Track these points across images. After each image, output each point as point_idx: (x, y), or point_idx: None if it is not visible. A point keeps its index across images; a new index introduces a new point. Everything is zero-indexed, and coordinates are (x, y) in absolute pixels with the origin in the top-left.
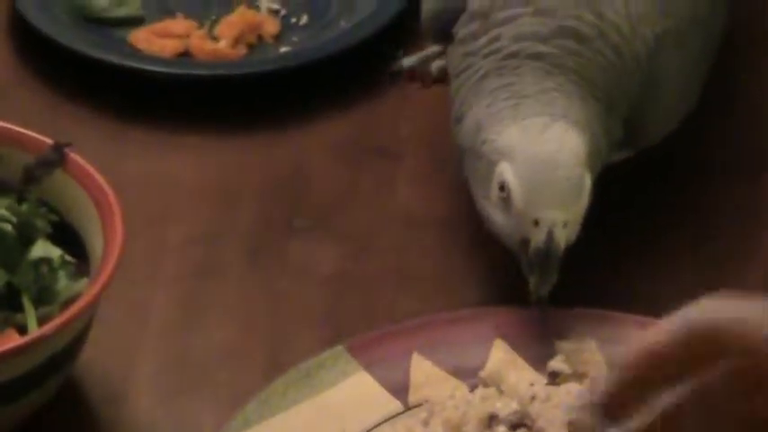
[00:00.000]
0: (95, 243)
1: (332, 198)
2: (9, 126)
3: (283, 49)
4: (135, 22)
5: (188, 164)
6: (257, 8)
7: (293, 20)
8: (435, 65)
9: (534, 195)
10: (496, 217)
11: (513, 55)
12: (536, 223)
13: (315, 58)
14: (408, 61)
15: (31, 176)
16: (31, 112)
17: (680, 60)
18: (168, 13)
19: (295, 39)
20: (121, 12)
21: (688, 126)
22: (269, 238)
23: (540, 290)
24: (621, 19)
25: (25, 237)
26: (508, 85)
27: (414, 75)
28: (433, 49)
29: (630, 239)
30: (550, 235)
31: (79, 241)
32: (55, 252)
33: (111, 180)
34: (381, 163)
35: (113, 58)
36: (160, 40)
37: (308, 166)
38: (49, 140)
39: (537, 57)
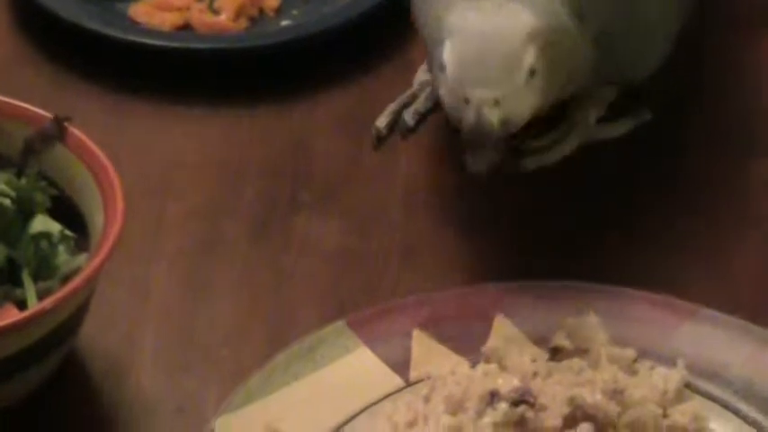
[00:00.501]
0: (95, 217)
1: (335, 173)
2: (9, 100)
3: (284, 23)
4: None
5: (189, 138)
6: None
7: None
8: (407, 113)
9: (463, 73)
10: (444, 95)
11: None
12: (466, 101)
13: (316, 31)
14: (381, 121)
15: (31, 150)
16: (31, 85)
17: None
18: None
19: (296, 12)
20: None
21: (682, 111)
22: (272, 214)
23: (472, 166)
24: None
25: (25, 211)
26: None
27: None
28: (397, 100)
29: (628, 220)
30: (479, 113)
31: (79, 215)
32: (54, 227)
33: (112, 154)
34: (387, 139)
35: (114, 32)
36: (160, 14)
37: (310, 141)
38: (48, 114)
39: None
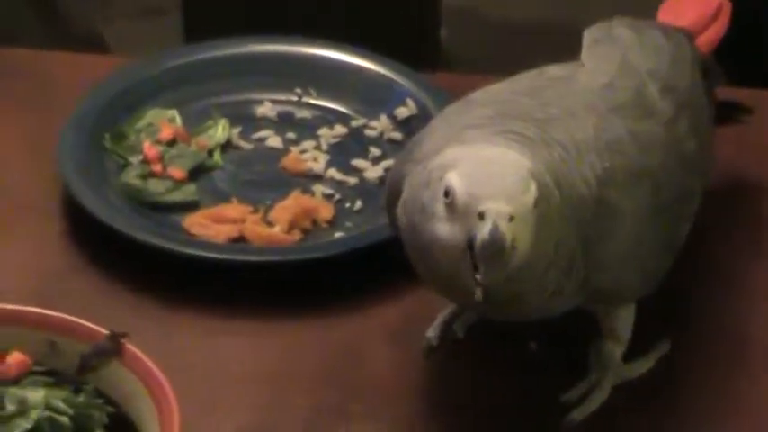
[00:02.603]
0: None
1: (386, 384)
2: (64, 316)
3: (338, 234)
4: (190, 206)
5: (242, 349)
6: (312, 193)
7: (347, 205)
8: (457, 325)
9: (477, 188)
10: (442, 231)
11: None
12: (481, 217)
13: (368, 244)
14: (432, 332)
15: (87, 366)
16: (84, 297)
17: (635, 202)
18: (223, 197)
19: (349, 224)
20: (177, 197)
21: None
22: (324, 425)
23: (484, 280)
24: (566, 138)
25: (82, 428)
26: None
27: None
28: (446, 311)
29: None
30: (495, 226)
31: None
32: None
33: (166, 367)
34: (438, 350)
35: (170, 245)
36: (215, 225)
37: (360, 351)
38: (104, 330)
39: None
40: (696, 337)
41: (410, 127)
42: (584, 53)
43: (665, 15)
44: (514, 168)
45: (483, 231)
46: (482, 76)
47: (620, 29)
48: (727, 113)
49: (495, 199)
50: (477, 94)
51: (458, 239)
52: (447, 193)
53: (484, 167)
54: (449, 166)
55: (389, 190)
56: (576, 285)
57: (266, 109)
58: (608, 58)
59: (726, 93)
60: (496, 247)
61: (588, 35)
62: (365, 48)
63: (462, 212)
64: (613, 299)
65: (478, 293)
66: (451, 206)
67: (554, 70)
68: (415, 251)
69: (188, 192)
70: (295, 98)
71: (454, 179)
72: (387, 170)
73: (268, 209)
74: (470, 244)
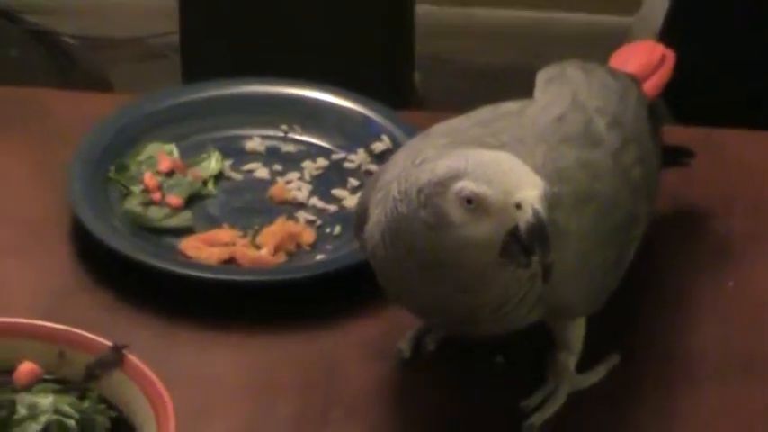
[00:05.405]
0: None
1: (364, 391)
2: (72, 329)
3: (319, 257)
4: (185, 231)
5: (231, 361)
6: (296, 219)
7: (328, 230)
8: (428, 339)
9: (504, 184)
10: (473, 233)
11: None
12: (518, 206)
13: (348, 265)
14: (403, 344)
15: (92, 375)
16: (89, 312)
17: (581, 224)
18: (215, 223)
19: (329, 247)
20: (174, 222)
21: None
22: (306, 430)
23: (544, 260)
24: None
25: (87, 431)
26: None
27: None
28: (417, 326)
29: None
30: (536, 209)
31: None
32: None
33: (164, 375)
34: (410, 362)
35: (167, 266)
36: (208, 248)
37: (341, 363)
38: (108, 342)
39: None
40: (643, 353)
41: (385, 160)
42: (538, 91)
43: (615, 63)
44: (514, 161)
45: (527, 217)
46: (450, 114)
47: (572, 70)
48: (672, 157)
49: (525, 188)
50: (436, 127)
51: (492, 236)
52: (470, 200)
53: (492, 168)
54: (451, 177)
55: (357, 217)
56: (534, 298)
57: (255, 143)
58: (560, 95)
59: (671, 131)
60: (543, 226)
61: (542, 75)
62: (346, 89)
63: (497, 210)
64: (564, 314)
65: (538, 272)
66: (480, 209)
67: (508, 105)
68: (406, 271)
69: (184, 218)
70: (281, 134)
71: (473, 185)
72: None
73: (256, 233)
74: (514, 234)
